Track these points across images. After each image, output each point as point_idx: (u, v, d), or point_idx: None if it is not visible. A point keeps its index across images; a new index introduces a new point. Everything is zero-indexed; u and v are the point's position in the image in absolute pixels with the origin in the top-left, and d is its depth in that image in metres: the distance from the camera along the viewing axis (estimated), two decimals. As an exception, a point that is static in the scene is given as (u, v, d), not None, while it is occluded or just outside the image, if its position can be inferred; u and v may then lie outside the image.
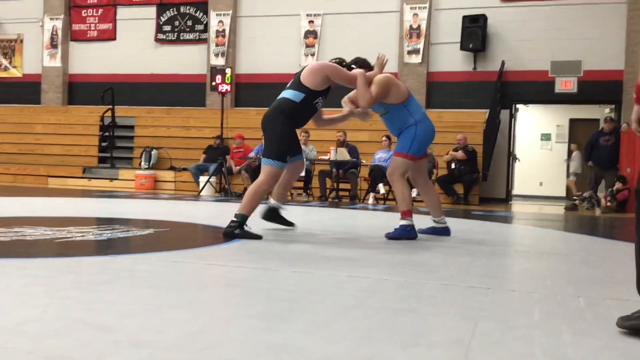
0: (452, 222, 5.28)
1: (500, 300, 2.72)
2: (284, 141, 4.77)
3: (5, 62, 15.24)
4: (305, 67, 4.99)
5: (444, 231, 5.22)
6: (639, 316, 2.20)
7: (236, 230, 4.55)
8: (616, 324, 2.22)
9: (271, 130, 4.78)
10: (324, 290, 2.79)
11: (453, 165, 11.03)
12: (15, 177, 13.83)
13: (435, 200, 5.28)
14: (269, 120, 4.81)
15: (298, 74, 4.93)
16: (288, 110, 4.76)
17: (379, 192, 10.42)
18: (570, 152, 15.46)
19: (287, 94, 4.84)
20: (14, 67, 15.20)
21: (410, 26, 12.40)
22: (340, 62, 5.07)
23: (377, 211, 8.60)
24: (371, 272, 3.31)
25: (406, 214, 4.89)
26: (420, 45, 12.35)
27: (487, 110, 11.73)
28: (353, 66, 5.07)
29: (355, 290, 2.79)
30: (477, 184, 11.22)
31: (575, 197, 15.07)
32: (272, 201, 5.23)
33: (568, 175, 15.24)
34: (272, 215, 5.22)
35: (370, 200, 10.40)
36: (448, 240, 4.99)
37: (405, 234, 4.84)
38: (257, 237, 4.53)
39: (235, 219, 4.59)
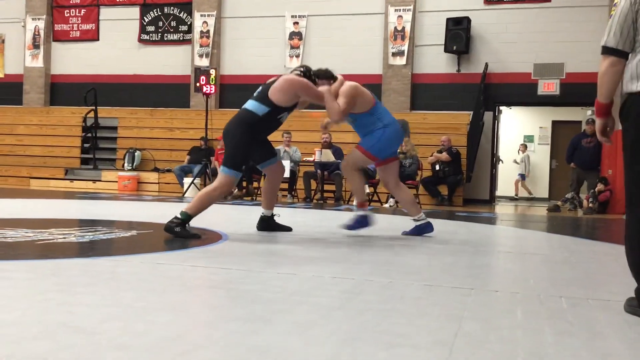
0: (436, 224, 5.30)
1: (484, 301, 2.73)
2: (242, 152, 4.75)
3: (-14, 63, 15.05)
4: (273, 80, 4.90)
5: (427, 227, 5.21)
6: (633, 304, 2.33)
7: (176, 228, 4.55)
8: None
9: (230, 140, 4.78)
10: (307, 291, 2.78)
11: (437, 167, 11.07)
12: (-4, 179, 13.67)
13: (410, 198, 5.33)
14: (230, 130, 4.80)
15: (266, 86, 4.85)
16: (249, 123, 4.74)
17: (363, 194, 10.43)
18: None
19: (250, 105, 4.80)
20: (-5, 67, 15.01)
21: (395, 28, 12.44)
22: (307, 70, 5.00)
23: (361, 212, 8.59)
24: (355, 273, 3.31)
25: (363, 205, 5.15)
26: (405, 47, 12.39)
27: (471, 112, 11.80)
28: (317, 80, 5.02)
29: (339, 291, 2.78)
30: (461, 185, 11.27)
31: (515, 197, 15.35)
32: (263, 211, 5.21)
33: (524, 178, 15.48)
34: (267, 224, 5.20)
35: (355, 202, 10.40)
36: (432, 241, 5.01)
37: (362, 224, 5.10)
38: (196, 236, 4.53)
39: (179, 216, 4.58)
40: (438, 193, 11.04)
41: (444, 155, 10.99)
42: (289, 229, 5.24)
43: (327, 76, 5.09)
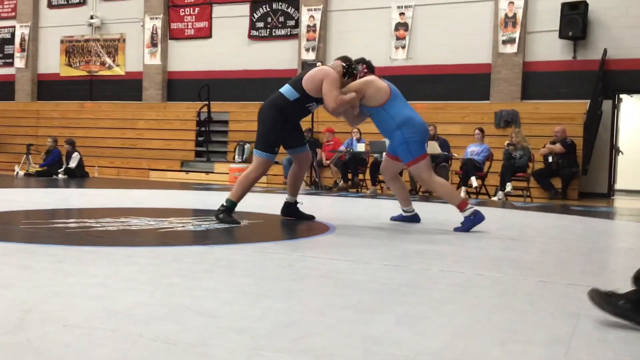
0: (549, 218, 5.11)
1: (603, 299, 2.60)
2: (272, 133, 4.92)
3: (109, 61, 16.12)
4: (311, 69, 5.04)
5: (414, 218, 5.39)
6: (627, 307, 2.11)
7: (220, 215, 4.79)
8: (589, 294, 2.25)
9: (261, 123, 4.99)
10: (416, 284, 2.79)
11: (550, 159, 10.61)
12: (119, 170, 14.64)
13: (404, 193, 5.45)
14: (261, 113, 5.01)
15: (302, 74, 5.03)
16: (280, 105, 4.94)
17: (471, 186, 10.21)
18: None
19: (284, 89, 4.98)
20: (117, 65, 16.04)
21: (506, 15, 12.02)
22: (345, 59, 5.09)
23: (469, 205, 8.41)
24: (464, 267, 3.27)
25: (463, 206, 4.88)
26: (516, 35, 11.94)
27: (588, 101, 11.20)
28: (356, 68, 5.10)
29: (449, 284, 2.76)
30: (576, 178, 10.74)
31: None
32: (288, 197, 5.40)
33: None
34: (289, 210, 5.36)
35: (462, 194, 10.20)
36: (545, 236, 4.83)
37: (472, 222, 4.82)
38: (236, 222, 4.76)
39: (224, 204, 4.85)
40: (551, 186, 10.59)
41: (558, 147, 10.51)
42: (311, 218, 5.33)
43: (367, 67, 5.22)
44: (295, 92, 4.92)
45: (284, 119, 4.97)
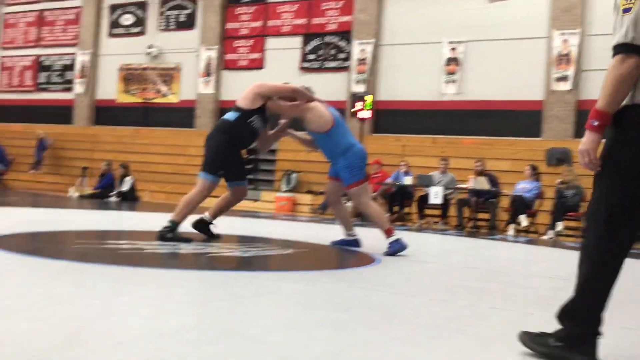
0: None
1: (660, 345, 2.51)
2: (217, 157, 5.13)
3: (164, 89, 16.59)
4: None
5: (354, 243, 5.42)
6: (558, 346, 2.06)
7: (168, 235, 4.88)
8: (519, 337, 2.19)
9: (207, 147, 5.18)
10: (464, 320, 2.74)
11: (603, 199, 10.31)
12: (169, 196, 14.92)
13: (346, 216, 5.57)
14: (208, 138, 5.23)
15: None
16: (223, 128, 5.17)
17: (520, 224, 10.00)
18: None
19: (225, 115, 5.27)
20: (172, 93, 16.49)
21: (559, 52, 11.89)
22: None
23: (517, 243, 8.25)
24: (514, 305, 3.19)
25: (390, 232, 5.11)
26: (570, 72, 11.78)
27: (644, 141, 10.90)
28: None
29: (498, 322, 2.71)
30: (630, 219, 10.40)
31: None
32: (207, 214, 5.48)
33: None
34: (201, 226, 5.41)
35: (511, 232, 9.99)
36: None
37: (398, 247, 5.04)
38: (186, 240, 4.82)
39: (167, 224, 4.94)
40: (604, 227, 10.27)
41: (612, 187, 10.21)
42: (217, 236, 5.38)
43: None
44: (235, 112, 5.18)
45: (231, 143, 5.16)
